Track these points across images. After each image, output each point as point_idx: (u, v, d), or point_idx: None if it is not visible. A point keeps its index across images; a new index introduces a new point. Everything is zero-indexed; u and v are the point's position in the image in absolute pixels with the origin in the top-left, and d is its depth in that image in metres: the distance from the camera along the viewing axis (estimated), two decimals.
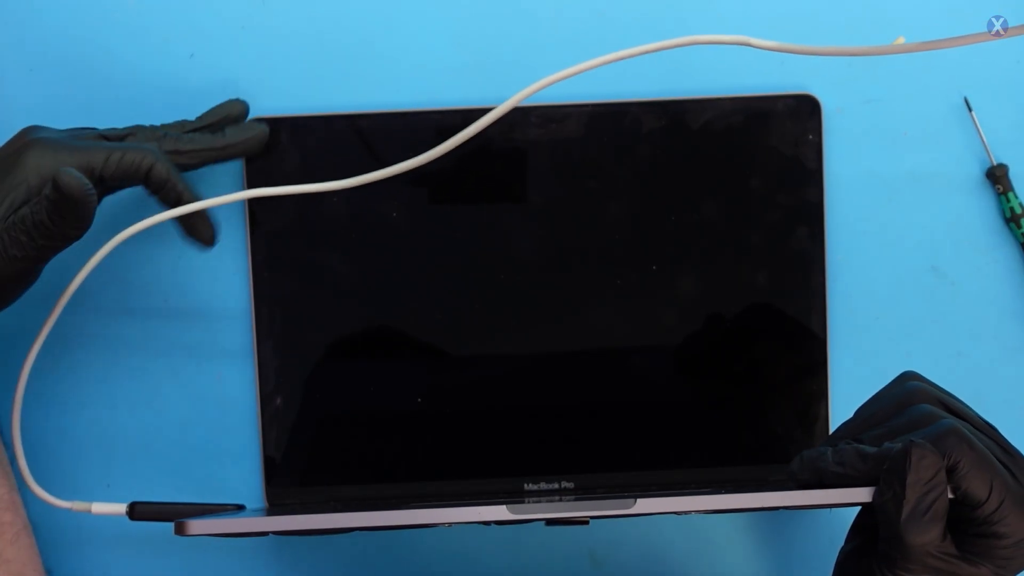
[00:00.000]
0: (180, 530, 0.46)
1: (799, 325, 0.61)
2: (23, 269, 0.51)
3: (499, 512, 0.46)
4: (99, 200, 0.55)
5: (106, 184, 0.54)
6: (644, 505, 0.46)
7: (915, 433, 0.46)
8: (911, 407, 0.48)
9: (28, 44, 0.60)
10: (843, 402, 0.61)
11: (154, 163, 0.54)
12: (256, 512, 0.57)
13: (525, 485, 0.60)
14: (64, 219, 0.49)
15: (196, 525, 0.46)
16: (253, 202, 0.59)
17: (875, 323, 0.62)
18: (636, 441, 0.60)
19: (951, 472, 0.45)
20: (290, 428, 0.60)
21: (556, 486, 0.60)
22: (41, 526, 0.60)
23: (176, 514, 0.57)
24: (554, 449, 0.60)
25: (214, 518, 0.48)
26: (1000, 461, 0.46)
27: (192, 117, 0.58)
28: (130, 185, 0.55)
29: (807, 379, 0.61)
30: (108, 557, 0.61)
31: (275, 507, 0.60)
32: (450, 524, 0.47)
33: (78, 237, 0.50)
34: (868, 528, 0.51)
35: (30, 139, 0.53)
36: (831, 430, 0.61)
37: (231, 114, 0.58)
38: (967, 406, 0.49)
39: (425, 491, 0.60)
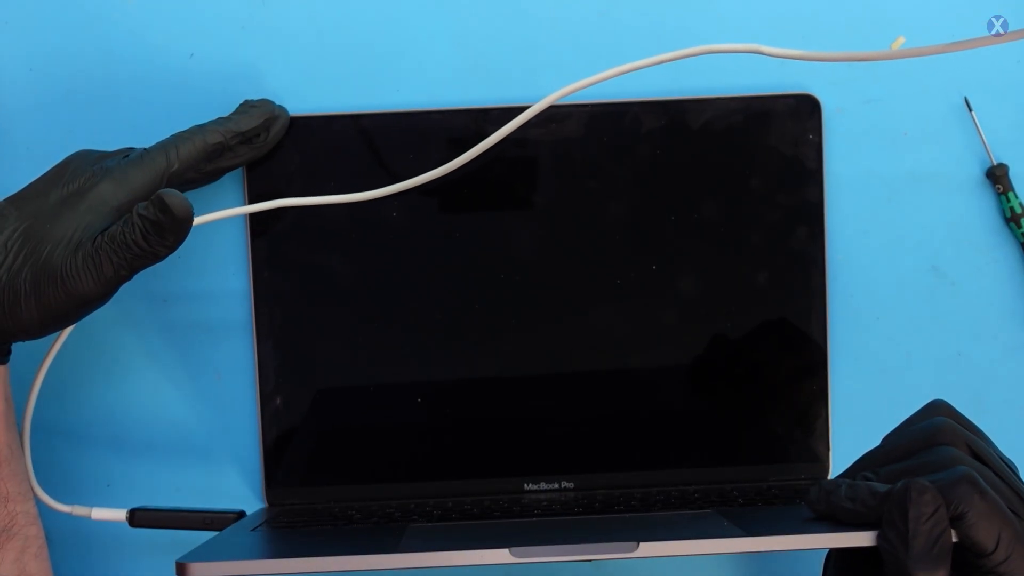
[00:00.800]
0: (182, 573, 0.46)
1: (799, 325, 0.61)
2: (109, 288, 0.52)
3: (501, 555, 0.46)
4: None
5: (172, 185, 0.55)
6: (647, 549, 0.46)
7: (930, 476, 0.46)
8: (935, 447, 0.48)
9: (28, 43, 0.60)
10: (843, 402, 0.61)
11: (204, 133, 0.55)
12: (256, 524, 0.57)
13: (525, 485, 0.60)
14: (162, 238, 0.51)
15: (198, 569, 0.46)
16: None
17: (875, 323, 0.62)
18: (636, 441, 0.60)
19: (959, 520, 0.45)
20: (290, 428, 0.60)
21: (556, 486, 0.60)
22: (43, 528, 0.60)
23: (175, 521, 0.57)
24: (554, 449, 0.60)
25: (216, 561, 0.47)
26: (1013, 510, 0.46)
27: (192, 117, 0.58)
28: (196, 174, 0.56)
29: (807, 379, 0.61)
30: (107, 560, 0.61)
31: (275, 507, 0.60)
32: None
33: (166, 256, 0.52)
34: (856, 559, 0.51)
35: (98, 169, 0.53)
36: (831, 430, 0.61)
37: (273, 117, 0.58)
38: (992, 445, 0.49)
39: (425, 491, 0.60)
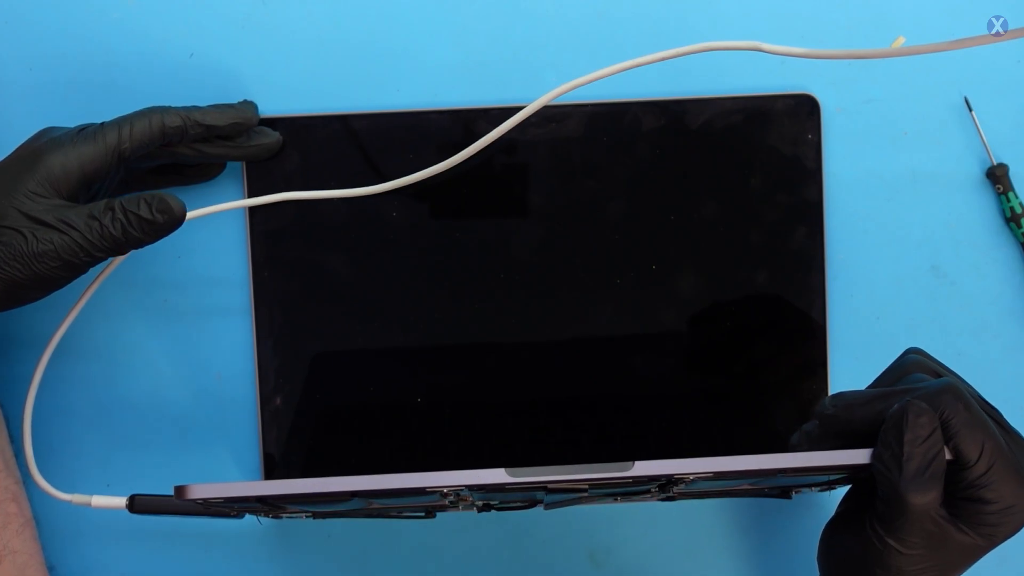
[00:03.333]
0: (180, 495, 0.46)
1: (799, 324, 0.61)
2: (72, 272, 0.52)
3: (498, 475, 0.46)
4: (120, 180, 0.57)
5: (128, 163, 0.54)
6: (642, 467, 0.46)
7: (912, 391, 0.47)
8: (907, 376, 0.49)
9: (28, 43, 0.60)
10: None
11: (163, 114, 0.55)
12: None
13: None
14: (144, 235, 0.51)
15: (196, 489, 0.46)
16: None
17: (875, 323, 0.62)
18: (636, 441, 0.60)
19: (942, 427, 0.45)
20: (290, 427, 0.60)
21: None
22: (42, 519, 0.60)
23: (175, 507, 0.57)
24: (554, 448, 0.60)
25: (214, 484, 0.47)
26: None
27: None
28: (152, 154, 0.55)
29: (807, 378, 0.61)
30: (107, 550, 0.61)
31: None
32: (446, 490, 0.47)
33: (134, 249, 0.52)
34: (858, 495, 0.51)
35: (46, 140, 0.53)
36: None
37: (244, 123, 0.58)
38: (966, 383, 0.49)
39: None
